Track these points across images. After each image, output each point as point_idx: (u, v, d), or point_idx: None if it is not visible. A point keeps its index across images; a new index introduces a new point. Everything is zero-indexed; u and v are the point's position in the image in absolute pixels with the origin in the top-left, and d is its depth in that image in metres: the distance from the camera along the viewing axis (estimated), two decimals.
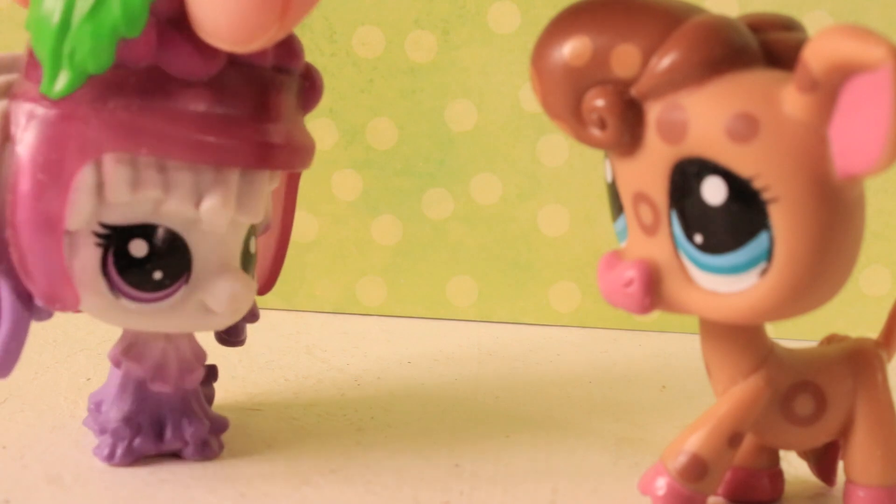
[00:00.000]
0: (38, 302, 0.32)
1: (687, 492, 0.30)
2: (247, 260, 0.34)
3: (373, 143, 0.49)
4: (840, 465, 0.32)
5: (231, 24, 0.29)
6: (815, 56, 0.25)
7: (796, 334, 0.45)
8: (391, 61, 0.48)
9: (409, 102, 0.49)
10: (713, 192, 0.27)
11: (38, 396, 0.39)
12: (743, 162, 0.26)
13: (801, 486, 0.34)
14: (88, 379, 0.42)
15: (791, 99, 0.26)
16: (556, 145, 0.48)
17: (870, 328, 0.33)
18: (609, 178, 0.30)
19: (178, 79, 0.31)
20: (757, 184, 0.26)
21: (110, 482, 0.34)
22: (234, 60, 0.31)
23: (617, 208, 0.30)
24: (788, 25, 0.28)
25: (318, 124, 0.49)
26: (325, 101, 0.49)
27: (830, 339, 0.32)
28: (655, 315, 0.48)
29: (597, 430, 0.38)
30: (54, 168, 0.31)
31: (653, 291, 0.28)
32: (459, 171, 0.49)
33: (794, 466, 0.34)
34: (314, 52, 0.48)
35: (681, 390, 0.41)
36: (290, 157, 0.33)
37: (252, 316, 0.37)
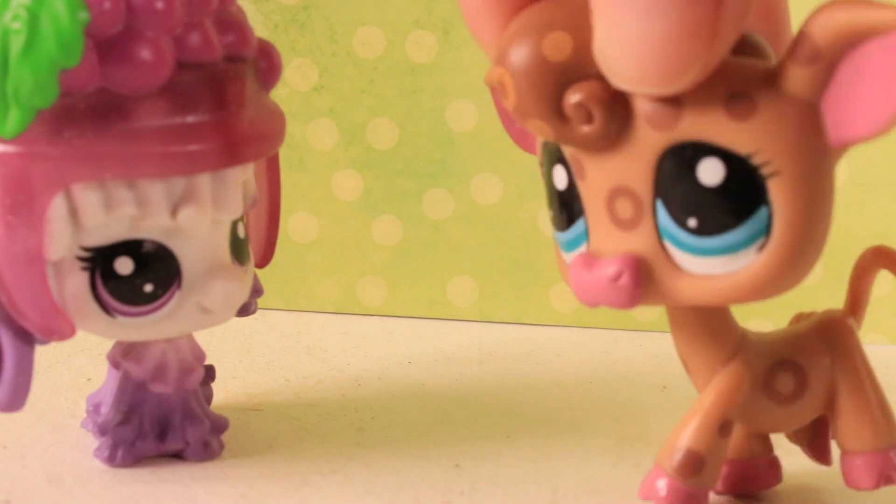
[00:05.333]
0: (36, 336, 0.32)
1: (688, 488, 0.30)
2: (237, 247, 0.34)
3: (373, 144, 0.49)
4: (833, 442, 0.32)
5: (648, 63, 0.25)
6: (820, 27, 0.25)
7: None
8: (392, 61, 0.48)
9: (409, 102, 0.49)
10: (710, 173, 0.27)
11: (38, 396, 0.39)
12: (742, 139, 0.26)
13: (798, 469, 0.34)
14: (89, 379, 0.42)
15: (788, 73, 0.26)
16: None
17: (870, 328, 0.33)
18: (562, 186, 0.29)
19: (130, 95, 0.30)
20: (756, 160, 0.26)
21: (111, 482, 0.34)
22: (183, 64, 0.31)
23: (570, 215, 0.29)
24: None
25: (318, 124, 0.49)
26: (326, 100, 0.49)
27: (798, 318, 0.33)
28: (656, 315, 0.48)
29: (597, 430, 0.38)
30: (23, 208, 0.30)
31: (643, 282, 0.28)
32: (460, 172, 0.49)
33: (789, 451, 0.34)
34: (314, 52, 0.49)
35: (681, 390, 0.41)
36: (259, 146, 0.33)
37: (255, 292, 0.37)
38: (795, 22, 0.29)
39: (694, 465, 0.30)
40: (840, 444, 0.31)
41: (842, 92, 0.26)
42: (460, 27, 0.48)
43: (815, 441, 0.33)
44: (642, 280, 0.28)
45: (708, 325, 0.30)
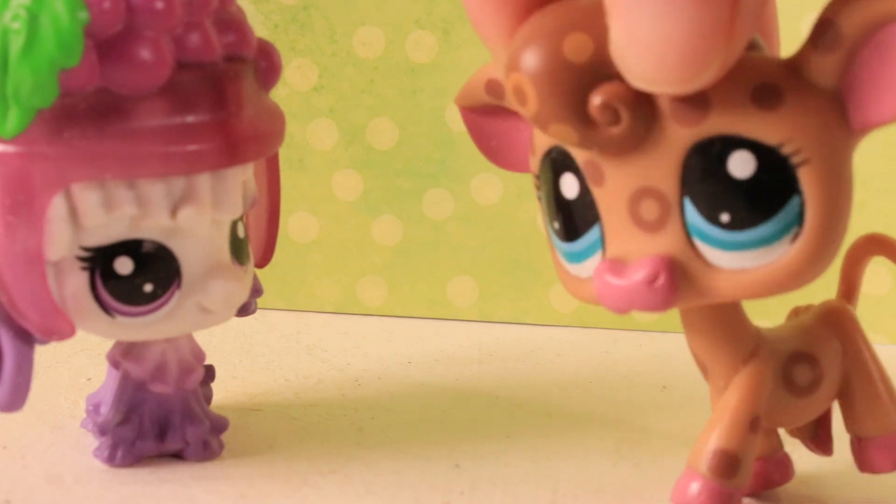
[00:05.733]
0: (36, 336, 0.32)
1: (726, 489, 0.30)
2: (237, 247, 0.34)
3: (373, 144, 0.49)
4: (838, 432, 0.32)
5: (665, 63, 0.25)
6: (843, 13, 0.26)
7: None
8: (392, 61, 0.48)
9: (409, 102, 0.49)
10: (741, 165, 0.27)
11: (38, 396, 0.39)
12: (771, 130, 0.26)
13: (807, 464, 0.34)
14: (89, 379, 0.42)
15: (811, 61, 0.26)
16: None
17: (870, 328, 0.33)
18: (572, 195, 0.29)
19: (130, 95, 0.30)
20: (786, 149, 0.26)
21: (111, 482, 0.34)
22: (183, 64, 0.31)
23: (583, 224, 0.29)
24: None
25: (318, 124, 0.49)
26: (326, 101, 0.49)
27: (796, 312, 0.33)
28: (656, 315, 0.48)
29: (597, 430, 0.38)
30: (23, 208, 0.30)
31: (679, 283, 0.28)
32: (460, 172, 0.49)
33: (794, 446, 0.34)
34: (315, 52, 0.48)
35: (681, 390, 0.41)
36: (258, 146, 0.33)
37: (255, 292, 0.37)
38: (785, 14, 0.29)
39: (730, 465, 0.30)
40: (854, 432, 0.32)
41: (864, 76, 0.26)
42: (460, 27, 0.48)
43: (819, 432, 0.33)
44: (678, 280, 0.28)
45: (725, 326, 0.30)
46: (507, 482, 0.34)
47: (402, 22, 0.48)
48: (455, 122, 0.48)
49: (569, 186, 0.29)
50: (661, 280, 0.28)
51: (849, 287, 0.33)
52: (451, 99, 0.48)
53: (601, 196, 0.29)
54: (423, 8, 0.48)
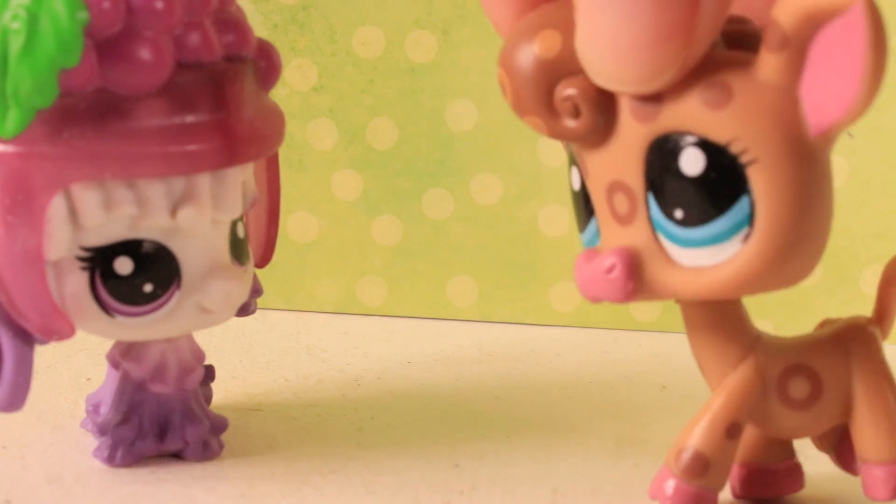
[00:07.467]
0: (35, 336, 0.32)
1: (693, 489, 0.30)
2: (237, 246, 0.34)
3: (373, 143, 0.49)
4: None
5: (625, 64, 0.26)
6: (785, 12, 0.26)
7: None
8: (391, 61, 0.48)
9: (409, 102, 0.49)
10: (691, 163, 0.27)
11: (38, 396, 0.39)
12: (719, 128, 0.27)
13: (823, 477, 0.34)
14: (89, 379, 0.42)
15: (762, 61, 0.26)
16: (557, 145, 0.48)
17: None
18: (577, 186, 0.30)
19: (129, 95, 0.30)
20: (734, 148, 0.27)
21: (110, 482, 0.34)
22: (182, 64, 0.31)
23: (586, 215, 0.30)
24: (742, 20, 0.29)
25: (318, 124, 0.49)
26: (326, 101, 0.49)
27: (823, 324, 0.32)
28: (656, 315, 0.48)
29: (597, 430, 0.38)
30: (22, 208, 0.30)
31: (635, 275, 0.28)
32: (460, 171, 0.49)
33: (811, 458, 0.33)
34: (314, 52, 0.48)
35: (681, 390, 0.41)
36: (258, 146, 0.33)
37: (255, 292, 0.37)
38: None
39: (699, 467, 0.30)
40: (858, 453, 0.31)
41: (814, 76, 0.26)
42: (460, 27, 0.48)
43: (842, 449, 0.32)
44: (634, 272, 0.28)
45: (720, 326, 0.30)
46: (507, 482, 0.34)
47: (401, 22, 0.48)
48: (455, 122, 0.48)
49: (574, 178, 0.30)
50: (616, 271, 0.28)
51: (881, 307, 0.32)
52: (450, 99, 0.48)
53: (590, 188, 0.29)
54: (423, 8, 0.48)
